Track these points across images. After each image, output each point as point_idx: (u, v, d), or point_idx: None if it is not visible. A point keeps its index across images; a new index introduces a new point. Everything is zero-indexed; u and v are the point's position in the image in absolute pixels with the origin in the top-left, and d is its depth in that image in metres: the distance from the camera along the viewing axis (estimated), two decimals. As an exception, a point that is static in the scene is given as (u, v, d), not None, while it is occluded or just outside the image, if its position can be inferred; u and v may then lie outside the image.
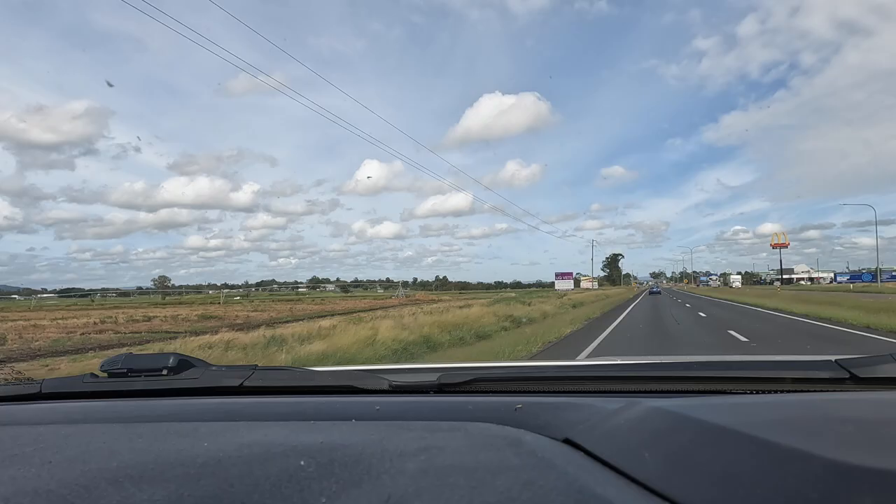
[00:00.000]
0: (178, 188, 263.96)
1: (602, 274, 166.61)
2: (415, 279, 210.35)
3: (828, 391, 0.92)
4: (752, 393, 0.93)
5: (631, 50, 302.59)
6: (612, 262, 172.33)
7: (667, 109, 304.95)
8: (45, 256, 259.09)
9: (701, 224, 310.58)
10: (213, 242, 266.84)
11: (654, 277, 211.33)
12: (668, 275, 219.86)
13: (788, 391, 0.93)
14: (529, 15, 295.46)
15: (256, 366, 1.14)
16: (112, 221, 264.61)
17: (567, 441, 0.67)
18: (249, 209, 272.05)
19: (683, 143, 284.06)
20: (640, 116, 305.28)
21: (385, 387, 1.05)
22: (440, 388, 1.04)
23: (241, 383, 1.08)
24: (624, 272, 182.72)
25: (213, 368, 1.14)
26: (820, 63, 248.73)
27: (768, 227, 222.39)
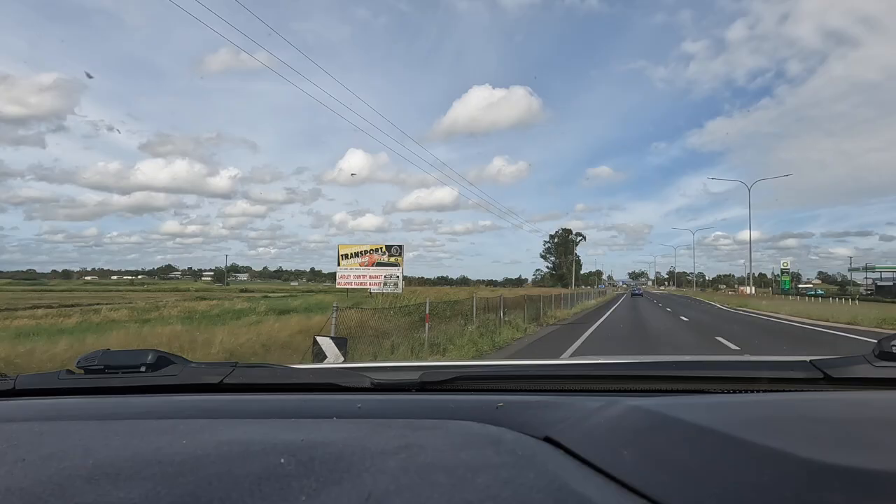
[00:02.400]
0: (153, 170, 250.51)
1: (548, 268, 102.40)
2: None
3: (803, 391, 0.94)
4: (729, 392, 0.95)
5: (620, 50, 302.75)
6: (562, 245, 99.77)
7: (653, 112, 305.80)
8: (16, 237, 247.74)
9: (682, 228, 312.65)
10: (190, 228, 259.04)
11: (633, 279, 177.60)
12: (652, 275, 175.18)
13: (765, 391, 0.94)
14: (519, 10, 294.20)
15: (237, 363, 1.13)
16: (84, 203, 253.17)
17: (547, 439, 0.68)
18: (228, 195, 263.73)
19: (668, 147, 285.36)
20: (627, 119, 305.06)
21: (367, 385, 1.05)
22: (422, 387, 1.04)
23: (221, 380, 1.07)
24: (590, 269, 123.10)
25: (193, 365, 1.13)
26: (805, 73, 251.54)
27: (748, 235, 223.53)
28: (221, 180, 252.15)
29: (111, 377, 1.09)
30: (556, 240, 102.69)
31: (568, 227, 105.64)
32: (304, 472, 0.55)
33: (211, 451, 0.63)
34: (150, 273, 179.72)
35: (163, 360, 1.12)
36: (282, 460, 0.58)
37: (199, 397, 1.01)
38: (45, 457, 0.63)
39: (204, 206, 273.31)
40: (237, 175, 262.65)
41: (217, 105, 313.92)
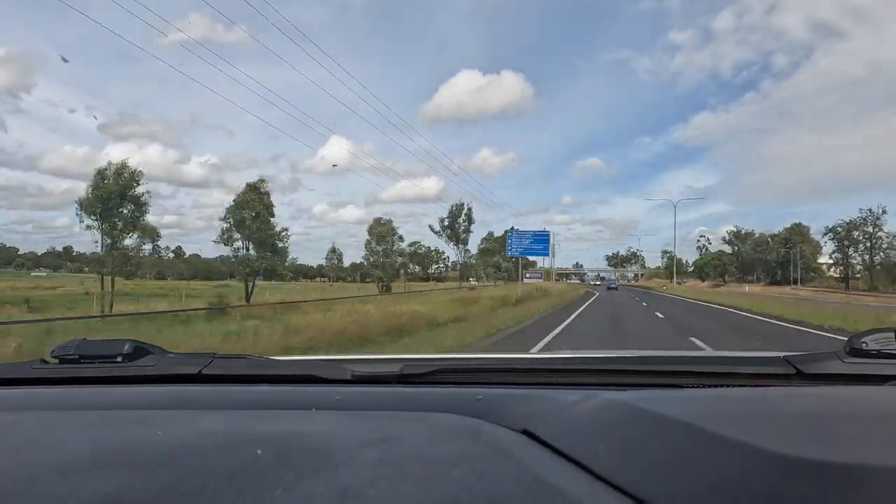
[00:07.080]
0: (121, 156, 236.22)
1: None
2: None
3: (775, 386, 0.96)
4: (704, 387, 0.97)
5: (607, 41, 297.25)
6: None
7: (636, 107, 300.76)
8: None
9: (665, 224, 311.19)
10: (165, 219, 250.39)
11: (613, 265, 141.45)
12: (654, 263, 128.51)
13: (738, 386, 0.96)
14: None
15: (215, 354, 1.12)
16: (51, 191, 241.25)
17: (525, 432, 0.68)
18: (203, 184, 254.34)
19: (651, 143, 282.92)
20: (611, 113, 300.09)
21: (347, 377, 1.05)
22: (402, 379, 1.04)
23: (200, 371, 1.06)
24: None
25: (171, 356, 1.11)
26: (790, 67, 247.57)
27: (731, 231, 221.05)
28: (198, 168, 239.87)
29: (86, 367, 1.07)
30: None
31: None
32: (282, 464, 0.55)
33: (188, 443, 0.62)
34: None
35: (140, 351, 1.10)
36: (259, 451, 0.58)
37: (177, 388, 1.00)
38: (14, 448, 0.62)
39: (179, 197, 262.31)
40: (214, 163, 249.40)
41: (189, 89, 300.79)
